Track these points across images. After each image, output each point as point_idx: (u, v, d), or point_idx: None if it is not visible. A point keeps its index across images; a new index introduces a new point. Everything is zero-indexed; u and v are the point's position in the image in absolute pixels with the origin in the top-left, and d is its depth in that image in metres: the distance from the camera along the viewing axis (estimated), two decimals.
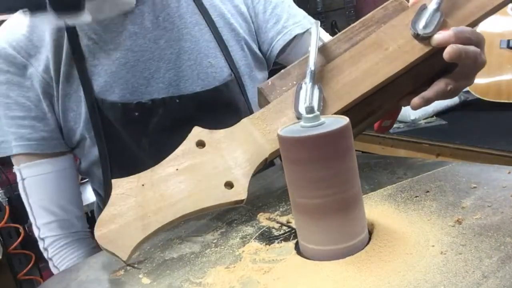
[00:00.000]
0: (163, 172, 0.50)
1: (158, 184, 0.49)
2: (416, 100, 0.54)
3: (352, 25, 0.56)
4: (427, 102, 0.54)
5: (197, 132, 0.52)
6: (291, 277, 0.38)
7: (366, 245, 0.40)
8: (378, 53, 0.53)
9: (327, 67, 0.53)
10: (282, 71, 0.54)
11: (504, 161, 1.26)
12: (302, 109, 0.50)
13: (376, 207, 0.48)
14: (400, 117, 1.71)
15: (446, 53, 0.50)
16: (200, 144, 0.51)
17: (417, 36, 0.52)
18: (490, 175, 0.50)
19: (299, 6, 0.86)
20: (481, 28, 1.63)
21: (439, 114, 1.71)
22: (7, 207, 1.80)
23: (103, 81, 0.71)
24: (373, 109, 0.56)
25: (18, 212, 1.80)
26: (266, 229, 0.49)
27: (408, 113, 1.67)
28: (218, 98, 0.76)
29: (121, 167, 0.75)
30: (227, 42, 0.78)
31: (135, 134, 0.73)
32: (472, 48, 0.51)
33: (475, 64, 0.54)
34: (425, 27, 0.51)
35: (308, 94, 0.50)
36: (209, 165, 0.50)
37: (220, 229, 0.52)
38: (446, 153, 1.46)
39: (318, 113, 0.40)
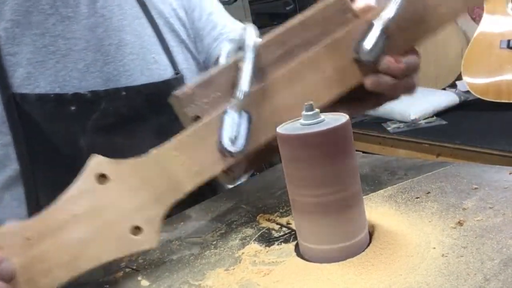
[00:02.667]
0: (55, 220, 0.40)
1: (49, 236, 0.39)
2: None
3: (289, 25, 0.48)
4: (353, 114, 0.48)
5: (97, 163, 0.41)
6: (291, 280, 0.38)
7: (367, 247, 0.40)
8: (315, 75, 0.47)
9: (259, 85, 0.46)
10: (204, 77, 0.46)
11: (504, 161, 1.26)
12: (226, 141, 0.43)
13: (377, 208, 0.48)
14: (400, 117, 1.71)
15: (370, 84, 0.48)
16: (101, 178, 0.42)
17: (359, 60, 0.47)
18: (492, 176, 0.49)
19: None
20: (481, 28, 1.63)
21: (439, 114, 1.70)
22: None
23: (25, 72, 0.60)
24: None
25: None
26: (266, 231, 0.49)
27: (408, 113, 1.67)
28: (168, 94, 0.64)
29: (50, 182, 0.60)
30: (168, 42, 0.71)
31: (70, 134, 0.62)
32: (402, 82, 0.49)
33: (406, 93, 0.51)
34: (369, 51, 0.46)
35: (235, 124, 0.43)
36: (113, 207, 0.41)
37: (220, 230, 0.52)
38: (446, 153, 1.46)
39: (317, 110, 0.39)
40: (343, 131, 0.38)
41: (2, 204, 0.64)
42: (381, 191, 0.52)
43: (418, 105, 1.69)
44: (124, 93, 0.64)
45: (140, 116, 0.64)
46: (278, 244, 0.45)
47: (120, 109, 0.64)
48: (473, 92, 1.63)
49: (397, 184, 0.53)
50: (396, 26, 0.47)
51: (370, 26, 0.46)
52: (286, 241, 0.46)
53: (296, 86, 0.46)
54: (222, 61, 0.47)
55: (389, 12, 0.46)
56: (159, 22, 0.71)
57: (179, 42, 0.73)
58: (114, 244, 0.41)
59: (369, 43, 0.46)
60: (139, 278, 0.45)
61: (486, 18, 1.64)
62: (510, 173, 0.49)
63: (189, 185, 0.44)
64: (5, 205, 0.63)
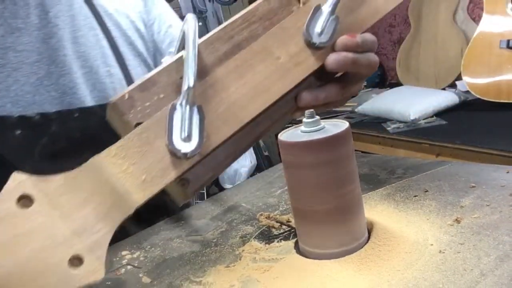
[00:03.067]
0: None
1: None
2: (307, 95, 0.46)
3: (232, 19, 0.45)
4: (316, 101, 0.47)
5: (18, 182, 0.33)
6: (291, 276, 0.38)
7: (366, 244, 0.40)
8: (268, 63, 0.43)
9: (207, 80, 0.41)
10: (143, 79, 0.40)
11: (504, 161, 1.26)
12: (177, 141, 0.37)
13: (376, 207, 0.48)
14: (400, 117, 1.71)
15: (331, 63, 0.45)
16: (25, 200, 0.33)
17: (311, 45, 0.45)
18: (489, 174, 0.50)
19: None
20: (481, 28, 1.64)
21: (439, 114, 1.71)
22: None
23: None
24: (261, 130, 0.46)
25: None
26: (266, 229, 0.49)
27: (408, 113, 1.68)
28: None
29: None
30: (124, 55, 0.67)
31: (15, 161, 0.56)
32: (363, 56, 0.47)
33: (368, 69, 0.49)
34: (320, 34, 0.45)
35: (186, 120, 0.37)
36: (42, 234, 0.32)
37: (220, 228, 0.52)
38: (446, 153, 1.46)
39: (318, 117, 0.40)
40: (343, 138, 0.39)
41: None
42: (380, 189, 0.52)
43: (418, 105, 1.70)
44: (76, 114, 0.59)
45: (95, 140, 0.55)
46: (278, 242, 0.46)
47: (72, 133, 0.59)
48: (473, 92, 1.63)
49: (395, 183, 0.53)
50: (343, 8, 0.46)
51: (317, 9, 0.45)
52: (286, 238, 0.46)
53: (248, 77, 0.42)
54: (165, 60, 0.42)
55: None
56: (115, 34, 0.68)
57: (136, 55, 0.70)
58: (46, 281, 0.32)
59: (319, 26, 0.45)
60: (141, 275, 0.45)
61: (486, 18, 1.64)
62: (507, 172, 0.49)
63: (138, 198, 0.36)
64: None
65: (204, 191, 1.99)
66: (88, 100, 0.62)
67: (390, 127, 1.71)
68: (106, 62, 0.65)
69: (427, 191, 0.49)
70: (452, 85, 1.98)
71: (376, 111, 1.86)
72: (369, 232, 0.42)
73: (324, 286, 0.36)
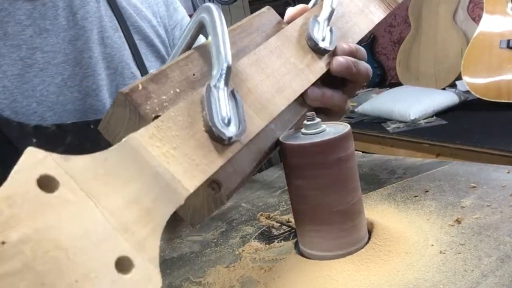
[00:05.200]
0: None
1: None
2: (315, 89, 0.46)
3: (230, 28, 0.44)
4: (323, 98, 0.47)
5: (37, 160, 0.24)
6: (291, 276, 0.38)
7: (366, 244, 0.40)
8: (283, 61, 0.43)
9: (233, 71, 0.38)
10: (155, 72, 0.36)
11: (504, 160, 1.26)
12: (218, 121, 0.33)
13: (376, 207, 0.48)
14: (400, 117, 1.71)
15: (336, 66, 0.46)
16: (47, 183, 0.24)
17: (317, 50, 0.46)
18: (489, 174, 0.50)
19: None
20: (481, 28, 1.64)
21: (439, 114, 1.71)
22: None
23: (1, 86, 0.57)
24: (278, 135, 0.44)
25: None
26: (266, 229, 0.49)
27: (408, 113, 1.68)
28: None
29: None
30: (145, 57, 0.68)
31: None
32: (361, 62, 0.49)
33: (366, 77, 0.51)
34: (323, 40, 0.46)
35: (226, 102, 0.34)
36: (72, 228, 0.23)
37: (220, 228, 0.52)
38: (446, 153, 1.46)
39: (319, 120, 0.40)
40: (344, 141, 0.38)
41: None
42: (381, 189, 0.52)
43: (418, 105, 1.70)
44: (92, 126, 0.59)
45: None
46: (278, 242, 0.46)
47: (87, 144, 0.58)
48: (473, 92, 1.63)
49: (396, 183, 0.53)
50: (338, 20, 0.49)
51: (314, 19, 0.47)
52: (286, 238, 0.46)
53: (270, 71, 0.41)
54: (173, 55, 0.39)
55: (329, 3, 0.48)
56: (136, 37, 0.68)
57: (158, 59, 0.71)
58: None
59: (320, 33, 0.46)
60: None
61: (486, 18, 1.64)
62: (508, 172, 0.49)
63: (187, 185, 0.30)
64: None
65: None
66: (109, 102, 0.63)
67: (390, 127, 1.71)
68: (130, 64, 0.66)
69: (427, 191, 0.49)
70: (452, 85, 1.98)
71: (376, 111, 1.86)
72: (369, 233, 0.42)
73: (324, 286, 0.36)
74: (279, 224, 0.50)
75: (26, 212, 0.22)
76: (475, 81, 1.64)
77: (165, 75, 0.36)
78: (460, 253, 0.36)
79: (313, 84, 0.45)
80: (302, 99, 0.46)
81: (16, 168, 0.23)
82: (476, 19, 1.93)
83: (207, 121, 0.32)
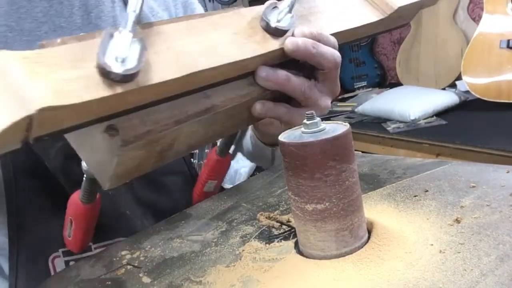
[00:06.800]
0: None
1: None
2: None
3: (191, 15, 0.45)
4: (275, 80, 0.46)
5: None
6: (291, 276, 0.38)
7: (366, 243, 0.40)
8: (223, 34, 0.42)
9: (152, 30, 0.39)
10: (84, 34, 0.37)
11: (504, 160, 1.26)
12: (111, 59, 0.33)
13: (375, 206, 0.48)
14: (400, 117, 1.71)
15: (289, 44, 0.44)
16: None
17: (269, 29, 0.45)
18: (489, 174, 0.50)
19: None
20: (481, 28, 1.64)
21: (439, 114, 1.71)
22: None
23: None
24: (212, 104, 0.44)
25: None
26: (266, 228, 0.50)
27: (408, 113, 1.68)
28: None
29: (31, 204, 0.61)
30: None
31: (39, 155, 0.60)
32: (327, 48, 0.47)
33: (332, 64, 0.48)
34: (278, 21, 0.45)
35: (124, 45, 0.34)
36: None
37: (220, 228, 0.52)
38: (446, 153, 1.46)
39: (318, 119, 0.40)
40: (344, 140, 0.39)
41: None
42: (380, 189, 0.52)
43: (418, 105, 1.70)
44: None
45: None
46: (278, 242, 0.46)
47: None
48: (473, 92, 1.64)
49: (395, 183, 0.53)
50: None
51: (272, 5, 0.46)
52: (286, 238, 0.46)
53: (200, 38, 0.41)
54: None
55: None
56: None
57: None
58: None
59: (275, 15, 0.45)
60: (141, 275, 0.45)
61: (486, 18, 1.64)
62: (507, 172, 0.49)
63: (36, 105, 0.29)
64: None
65: None
66: None
67: (390, 127, 1.71)
68: None
69: (427, 191, 0.49)
70: (452, 85, 1.98)
71: (376, 111, 1.86)
72: (369, 232, 0.42)
73: (324, 286, 0.36)
74: (279, 224, 0.50)
75: None
76: (475, 81, 1.64)
77: (91, 36, 0.36)
78: (459, 252, 0.36)
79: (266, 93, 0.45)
80: (253, 79, 0.46)
81: None
82: (476, 19, 1.93)
83: (97, 56, 0.33)
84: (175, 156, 0.45)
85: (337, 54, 0.48)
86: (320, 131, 0.39)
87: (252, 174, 2.07)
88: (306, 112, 0.40)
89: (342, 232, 0.39)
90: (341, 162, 0.38)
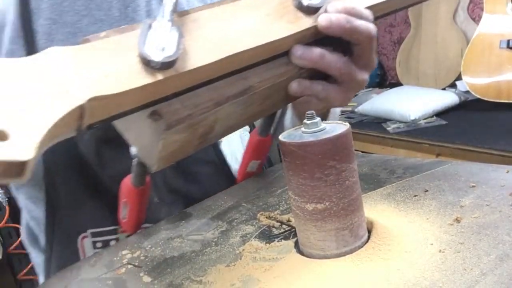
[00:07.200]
0: None
1: None
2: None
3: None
4: (310, 58, 0.46)
5: None
6: (291, 275, 0.38)
7: (366, 243, 0.40)
8: (255, 15, 0.43)
9: (188, 17, 0.40)
10: (125, 27, 0.39)
11: (504, 160, 1.26)
12: (151, 48, 0.36)
13: (376, 206, 0.48)
14: (400, 117, 1.71)
15: (322, 21, 0.44)
16: None
17: (301, 7, 0.45)
18: (489, 174, 0.50)
19: None
20: (481, 28, 1.64)
21: (439, 114, 1.71)
22: (7, 207, 1.81)
23: None
24: (249, 85, 0.45)
25: (18, 212, 1.80)
26: (266, 228, 0.50)
27: (408, 113, 1.68)
28: None
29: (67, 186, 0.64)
30: None
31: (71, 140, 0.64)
32: (359, 21, 0.46)
33: (368, 39, 0.48)
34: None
35: (163, 34, 0.36)
36: None
37: (221, 228, 0.53)
38: (446, 153, 1.46)
39: (318, 118, 0.40)
40: (344, 139, 0.39)
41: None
42: (380, 189, 0.52)
43: (418, 105, 1.70)
44: None
45: None
46: (278, 241, 0.46)
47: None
48: (473, 92, 1.64)
49: (396, 183, 0.53)
50: None
51: None
52: (286, 238, 0.46)
53: (234, 21, 0.42)
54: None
55: None
56: None
57: None
58: None
59: None
60: (141, 274, 0.45)
61: (486, 18, 1.64)
62: (507, 171, 0.50)
63: (87, 95, 0.32)
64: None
65: None
66: None
67: (390, 127, 1.71)
68: None
69: (427, 190, 0.49)
70: (452, 85, 1.98)
71: (376, 111, 1.86)
72: (369, 232, 0.42)
73: (324, 285, 0.36)
74: (279, 224, 0.50)
75: None
76: (475, 81, 1.64)
77: (132, 28, 0.38)
78: (459, 252, 0.36)
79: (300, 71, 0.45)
80: (288, 59, 0.46)
81: None
82: (476, 19, 1.93)
83: (139, 46, 0.35)
84: (216, 138, 0.47)
85: (372, 27, 0.48)
86: (320, 131, 0.39)
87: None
88: (307, 112, 0.40)
89: (342, 231, 0.39)
90: (341, 162, 0.38)
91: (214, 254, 0.46)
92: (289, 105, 0.69)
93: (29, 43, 0.63)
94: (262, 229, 0.50)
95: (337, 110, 0.72)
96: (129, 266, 0.48)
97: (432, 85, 2.01)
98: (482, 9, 1.68)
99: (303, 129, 0.40)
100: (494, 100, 1.58)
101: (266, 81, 0.45)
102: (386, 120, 1.78)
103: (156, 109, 0.39)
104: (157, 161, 0.42)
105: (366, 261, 0.38)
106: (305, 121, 0.40)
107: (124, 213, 0.57)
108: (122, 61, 0.35)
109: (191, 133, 0.42)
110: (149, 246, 0.52)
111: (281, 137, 0.41)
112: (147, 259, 0.48)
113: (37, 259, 0.72)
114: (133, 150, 0.48)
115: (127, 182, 0.55)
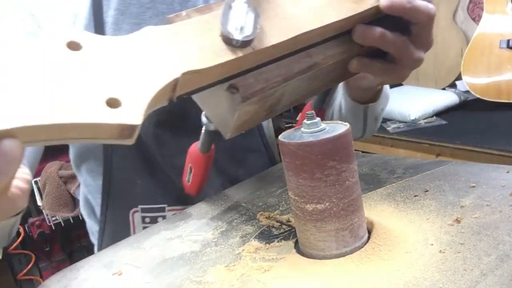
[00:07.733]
0: None
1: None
2: (363, 26, 0.48)
3: None
4: (372, 36, 0.48)
5: (66, 31, 0.33)
6: (291, 276, 0.38)
7: (366, 243, 0.40)
8: None
9: None
10: (201, 6, 0.43)
11: (504, 161, 1.26)
12: (232, 28, 0.39)
13: (376, 206, 0.48)
14: (400, 117, 1.71)
15: (384, 1, 0.46)
16: (73, 45, 0.33)
17: None
18: (489, 174, 0.50)
19: None
20: (481, 28, 1.64)
21: (439, 114, 1.71)
22: None
23: None
24: (314, 62, 0.48)
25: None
26: (266, 228, 0.50)
27: (408, 113, 1.68)
28: None
29: (122, 162, 0.71)
30: None
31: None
32: (421, 2, 0.48)
33: (429, 19, 0.49)
34: None
35: (241, 14, 0.40)
36: (84, 72, 0.32)
37: (220, 228, 0.52)
38: (446, 153, 1.46)
39: (318, 119, 0.40)
40: (344, 140, 0.39)
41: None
42: (380, 189, 0.52)
43: (418, 105, 1.70)
44: None
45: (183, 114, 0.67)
46: (278, 241, 0.46)
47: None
48: (473, 92, 1.63)
49: (396, 183, 0.53)
50: None
51: None
52: (286, 238, 0.46)
53: (304, 1, 0.45)
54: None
55: None
56: None
57: None
58: (79, 108, 0.30)
59: None
60: (141, 274, 0.45)
61: (486, 18, 1.64)
62: (507, 172, 0.49)
63: (181, 69, 0.36)
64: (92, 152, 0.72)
65: None
66: None
67: (390, 127, 1.71)
68: None
69: (427, 191, 0.49)
70: (452, 85, 1.98)
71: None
72: (369, 232, 0.42)
73: (324, 286, 0.36)
74: (279, 224, 0.50)
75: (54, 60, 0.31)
76: (475, 81, 1.64)
77: (209, 8, 0.42)
78: (459, 252, 0.36)
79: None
80: (350, 37, 0.48)
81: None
82: (476, 19, 1.93)
83: (221, 26, 0.39)
84: (281, 109, 0.51)
85: (431, 7, 0.49)
86: (320, 131, 0.39)
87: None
88: (306, 113, 0.40)
89: (342, 232, 0.39)
90: (341, 162, 0.38)
91: (214, 255, 0.46)
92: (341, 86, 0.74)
93: (98, 32, 0.67)
94: (262, 229, 0.49)
95: (387, 86, 0.75)
96: (129, 266, 0.48)
97: (432, 85, 2.01)
98: (482, 9, 1.67)
99: (303, 129, 0.40)
100: (494, 100, 1.57)
101: (329, 58, 0.48)
102: (386, 120, 1.78)
103: (233, 83, 0.42)
104: (231, 129, 0.46)
105: (366, 261, 0.38)
106: (305, 121, 0.40)
107: (189, 177, 0.63)
108: (206, 39, 0.39)
109: (261, 105, 0.45)
110: (149, 246, 0.52)
111: (281, 137, 0.41)
112: (147, 259, 0.48)
113: (92, 228, 0.79)
114: (204, 119, 0.55)
115: (195, 149, 0.61)
